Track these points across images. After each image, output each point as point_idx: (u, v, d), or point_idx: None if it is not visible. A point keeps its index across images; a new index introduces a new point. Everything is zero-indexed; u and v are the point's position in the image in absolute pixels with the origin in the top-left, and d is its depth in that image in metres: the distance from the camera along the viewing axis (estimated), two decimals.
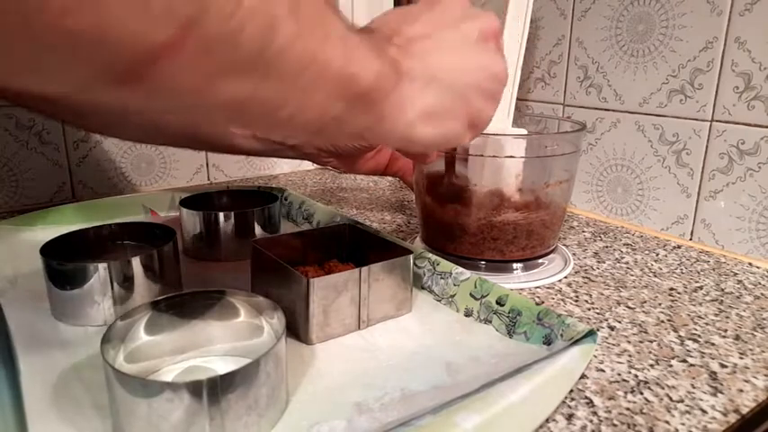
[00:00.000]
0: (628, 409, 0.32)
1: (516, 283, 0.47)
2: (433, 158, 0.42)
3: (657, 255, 0.54)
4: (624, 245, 0.57)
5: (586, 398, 0.33)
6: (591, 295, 0.46)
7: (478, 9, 0.34)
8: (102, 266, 0.38)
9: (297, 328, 0.37)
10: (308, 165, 0.90)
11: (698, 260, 0.53)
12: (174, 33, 0.17)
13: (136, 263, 0.40)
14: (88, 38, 0.16)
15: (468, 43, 0.32)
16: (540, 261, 0.51)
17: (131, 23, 0.16)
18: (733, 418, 0.31)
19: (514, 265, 0.50)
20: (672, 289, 0.47)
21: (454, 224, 0.50)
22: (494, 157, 0.48)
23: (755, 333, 0.40)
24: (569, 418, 0.31)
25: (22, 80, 0.18)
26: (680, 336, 0.40)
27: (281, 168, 0.88)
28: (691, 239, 0.59)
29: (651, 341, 0.39)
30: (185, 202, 0.53)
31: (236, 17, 0.18)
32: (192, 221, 0.52)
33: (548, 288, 0.47)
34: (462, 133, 0.33)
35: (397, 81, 0.28)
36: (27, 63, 0.16)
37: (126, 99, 0.19)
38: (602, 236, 0.59)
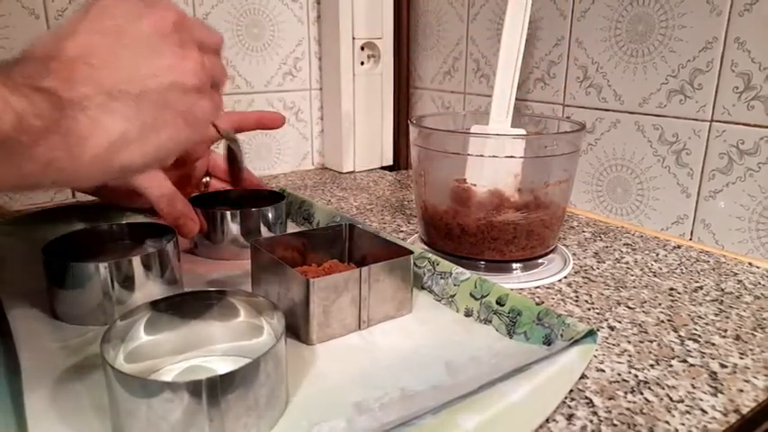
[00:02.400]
0: (628, 409, 0.32)
1: (516, 283, 0.47)
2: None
3: (657, 255, 0.54)
4: (624, 245, 0.57)
5: (586, 398, 0.33)
6: (591, 295, 0.46)
7: (147, 2, 0.30)
8: (102, 266, 0.38)
9: (297, 329, 0.37)
10: (308, 165, 0.90)
11: (698, 260, 0.53)
12: None
13: (136, 262, 0.40)
14: None
15: (144, 45, 0.29)
16: (540, 261, 0.51)
17: None
18: (733, 418, 0.31)
19: (514, 265, 0.50)
20: (672, 289, 0.47)
21: (454, 224, 0.50)
22: (493, 157, 0.48)
23: (755, 333, 0.40)
24: (569, 418, 0.31)
25: None
26: (680, 336, 0.40)
27: (282, 168, 0.87)
28: (691, 239, 0.59)
29: (651, 341, 0.39)
30: None
31: None
32: None
33: (547, 288, 0.47)
34: (182, 137, 0.30)
35: (59, 117, 0.25)
36: None
37: None
38: (602, 236, 0.59)
